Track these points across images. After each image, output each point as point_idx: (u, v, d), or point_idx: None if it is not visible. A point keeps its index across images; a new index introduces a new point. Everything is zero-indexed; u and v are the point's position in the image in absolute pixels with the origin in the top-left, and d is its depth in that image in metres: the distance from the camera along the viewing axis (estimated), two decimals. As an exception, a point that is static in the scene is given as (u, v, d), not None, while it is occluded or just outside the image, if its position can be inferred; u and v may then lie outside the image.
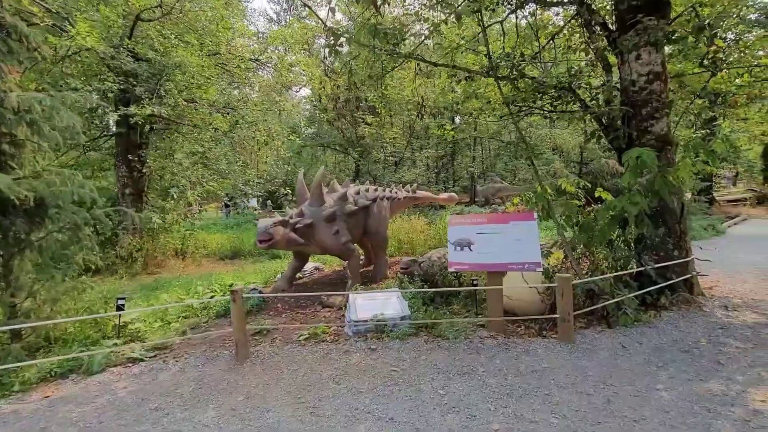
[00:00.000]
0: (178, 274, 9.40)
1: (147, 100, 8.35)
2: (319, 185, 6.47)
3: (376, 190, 7.47)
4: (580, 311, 4.26)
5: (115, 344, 4.05)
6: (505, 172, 22.96)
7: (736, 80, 6.13)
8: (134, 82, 8.50)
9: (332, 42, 3.96)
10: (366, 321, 4.42)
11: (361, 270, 7.21)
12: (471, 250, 4.31)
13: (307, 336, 4.38)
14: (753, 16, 11.84)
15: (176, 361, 3.88)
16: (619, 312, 4.22)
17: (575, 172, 17.29)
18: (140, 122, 8.32)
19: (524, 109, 5.52)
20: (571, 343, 3.90)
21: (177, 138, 10.07)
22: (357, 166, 18.64)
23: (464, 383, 3.26)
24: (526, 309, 4.63)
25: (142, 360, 3.91)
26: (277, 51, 11.92)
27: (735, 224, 13.30)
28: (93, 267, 9.31)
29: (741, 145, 14.28)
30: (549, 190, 5.25)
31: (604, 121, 5.11)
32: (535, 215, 4.33)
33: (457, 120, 20.34)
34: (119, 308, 4.24)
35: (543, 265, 4.71)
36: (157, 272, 9.92)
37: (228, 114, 9.72)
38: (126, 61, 8.39)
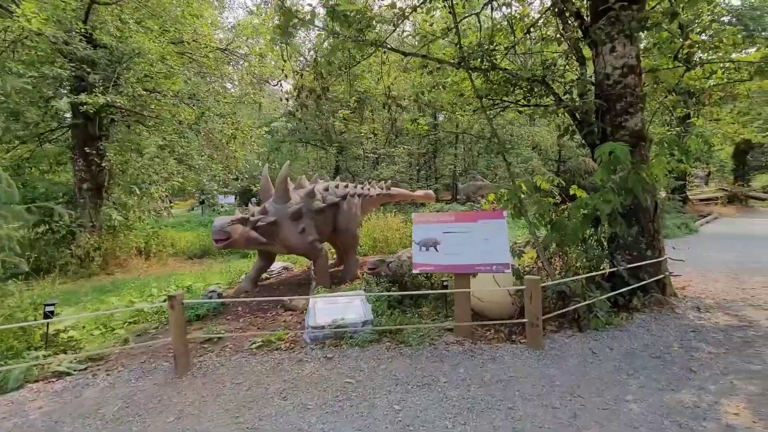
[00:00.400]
0: (138, 275, 8.89)
1: (102, 88, 7.78)
2: (283, 181, 6.11)
3: (346, 186, 7.15)
4: (550, 314, 4.05)
5: (41, 356, 3.62)
6: (487, 170, 22.92)
7: (710, 80, 6.05)
8: (88, 70, 7.92)
9: (285, 22, 3.62)
10: (324, 327, 4.11)
11: (332, 270, 6.90)
12: (437, 251, 4.04)
13: (260, 344, 4.04)
14: (726, 19, 12.00)
15: (108, 374, 3.48)
16: (591, 315, 4.02)
17: (553, 169, 17.33)
18: (92, 111, 7.76)
19: (497, 102, 5.29)
20: (539, 349, 3.68)
21: (141, 130, 9.50)
22: (336, 163, 18.24)
23: (423, 396, 2.99)
24: (498, 311, 4.41)
25: (69, 374, 3.50)
26: (248, 42, 11.42)
27: (707, 223, 13.52)
28: (43, 267, 8.76)
29: (714, 145, 14.52)
30: (524, 188, 5.05)
31: (578, 116, 4.91)
32: (505, 214, 4.10)
33: (441, 117, 20.14)
34: (47, 315, 3.81)
35: (514, 266, 4.51)
36: (117, 272, 9.36)
37: (194, 105, 9.20)
38: (79, 47, 7.81)
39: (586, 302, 4.00)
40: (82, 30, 7.86)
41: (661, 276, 4.69)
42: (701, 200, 19.32)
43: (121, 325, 4.85)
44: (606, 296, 4.17)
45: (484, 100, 5.28)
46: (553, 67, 5.09)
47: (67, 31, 7.94)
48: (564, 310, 4.07)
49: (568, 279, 4.13)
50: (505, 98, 5.16)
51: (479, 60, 4.87)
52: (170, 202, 12.67)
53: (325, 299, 4.69)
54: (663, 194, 14.08)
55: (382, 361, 3.60)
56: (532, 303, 3.63)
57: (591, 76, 5.04)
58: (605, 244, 4.74)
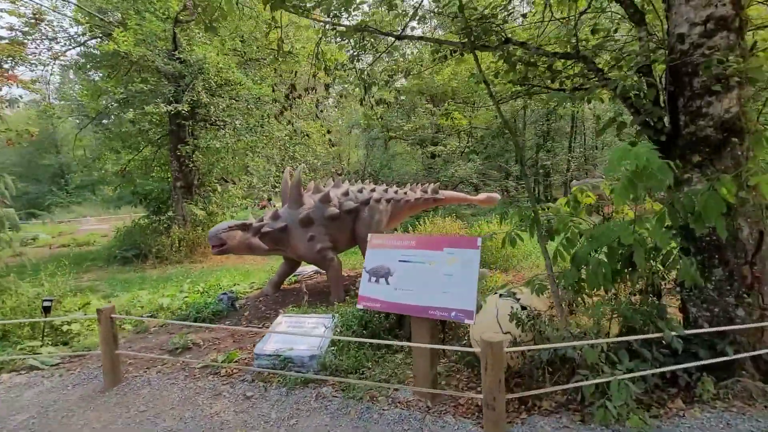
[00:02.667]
0: (213, 265, 9.78)
1: (174, 98, 8.70)
2: (297, 185, 5.84)
3: (373, 190, 6.54)
4: (541, 389, 2.86)
5: (28, 349, 4.04)
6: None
7: None
8: (164, 82, 8.95)
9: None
10: (271, 355, 3.67)
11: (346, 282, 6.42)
12: (388, 283, 3.21)
13: (205, 364, 3.82)
14: None
15: (60, 377, 3.68)
16: (601, 400, 2.68)
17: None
18: (184, 116, 8.65)
19: (523, 86, 3.98)
20: (501, 439, 2.59)
21: (220, 134, 10.45)
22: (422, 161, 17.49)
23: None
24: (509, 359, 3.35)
25: (39, 369, 3.81)
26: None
27: None
28: (143, 253, 10.30)
29: None
30: (562, 205, 3.79)
31: (633, 100, 3.38)
32: (479, 242, 3.02)
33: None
34: (46, 309, 4.25)
35: (526, 306, 3.39)
36: (201, 261, 10.51)
37: (258, 108, 9.70)
38: (162, 63, 8.86)
39: (594, 381, 2.67)
40: (164, 48, 8.88)
41: (764, 351, 2.92)
42: None
43: (135, 321, 5.24)
44: (633, 375, 2.73)
45: (500, 85, 4.08)
46: (594, 35, 3.59)
47: (160, 52, 9.07)
48: (564, 387, 2.81)
49: (575, 343, 2.85)
50: (526, 82, 3.84)
51: (489, 34, 3.71)
52: (269, 200, 13.76)
53: (291, 319, 4.25)
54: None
55: (300, 413, 3.00)
56: (489, 375, 2.56)
57: (661, 42, 3.42)
58: (658, 288, 3.17)
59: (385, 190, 6.79)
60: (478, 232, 8.72)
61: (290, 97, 5.17)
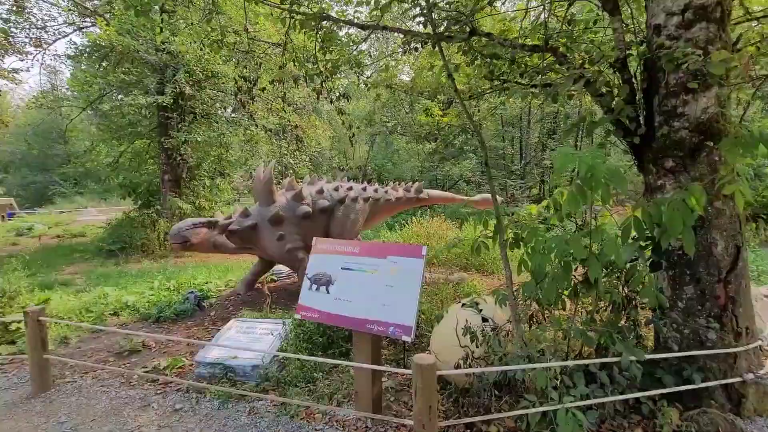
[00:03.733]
0: (196, 261, 9.65)
1: (156, 88, 8.53)
2: (268, 182, 5.62)
3: (350, 188, 6.29)
4: (477, 417, 2.60)
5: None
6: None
7: None
8: (147, 73, 8.78)
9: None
10: (212, 363, 3.47)
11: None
12: (328, 292, 2.97)
13: (149, 369, 3.64)
14: None
15: (-7, 378, 3.53)
16: (548, 430, 2.42)
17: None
18: (169, 108, 8.51)
19: (493, 81, 3.68)
20: (433, 470, 2.34)
21: (205, 128, 10.27)
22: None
23: None
24: (463, 381, 3.11)
25: (-25, 370, 3.66)
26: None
27: None
28: (130, 247, 10.19)
29: None
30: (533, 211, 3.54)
31: (604, 99, 3.07)
32: (424, 251, 2.76)
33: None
34: (-8, 308, 4.10)
35: (489, 318, 3.15)
36: (187, 257, 10.36)
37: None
38: (158, 55, 8.67)
39: (538, 409, 2.40)
40: (148, 38, 8.69)
41: (736, 380, 2.62)
42: None
43: (94, 319, 5.09)
44: (588, 402, 2.45)
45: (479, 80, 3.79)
46: (567, 26, 3.28)
47: (137, 40, 8.84)
48: (507, 414, 2.55)
49: (522, 366, 2.58)
50: (495, 77, 3.54)
51: (452, 23, 3.42)
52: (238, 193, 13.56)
53: (244, 324, 4.04)
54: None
55: (226, 429, 2.79)
56: (418, 402, 2.31)
57: (638, 32, 3.11)
58: (625, 304, 2.88)
59: (364, 189, 6.54)
60: (466, 234, 8.44)
61: (240, 89, 4.93)
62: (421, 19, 3.55)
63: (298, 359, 3.51)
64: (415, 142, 15.66)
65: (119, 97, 9.56)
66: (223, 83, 9.15)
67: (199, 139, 9.09)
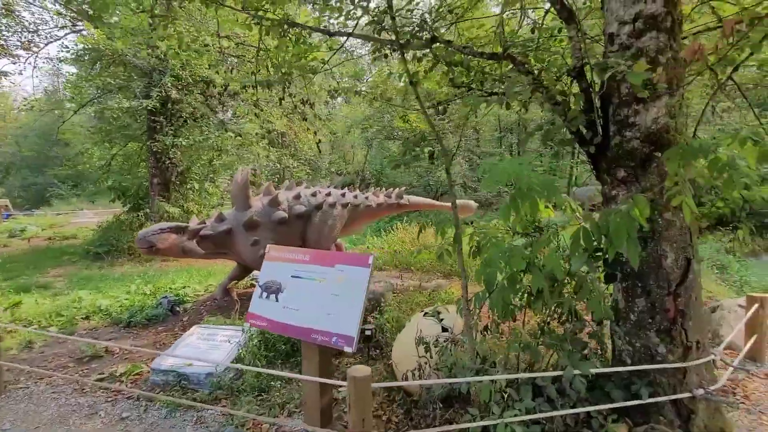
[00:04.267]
0: (180, 266, 9.62)
1: (144, 92, 8.56)
2: (244, 187, 5.62)
3: (329, 194, 6.26)
4: (430, 429, 2.55)
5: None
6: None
7: None
8: (134, 77, 8.82)
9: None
10: (166, 371, 3.43)
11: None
12: (277, 300, 2.93)
13: (105, 376, 3.60)
14: None
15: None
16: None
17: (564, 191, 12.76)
18: (156, 111, 8.54)
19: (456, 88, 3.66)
20: (368, 486, 2.29)
21: (190, 132, 10.28)
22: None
23: None
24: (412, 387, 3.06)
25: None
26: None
27: None
28: (117, 250, 10.17)
29: None
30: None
31: (558, 108, 3.04)
32: (371, 260, 2.72)
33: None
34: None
35: (449, 328, 3.11)
36: (173, 261, 10.34)
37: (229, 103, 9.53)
38: (145, 59, 8.71)
39: (478, 423, 2.35)
40: (136, 43, 8.74)
41: (686, 395, 2.56)
42: None
43: (64, 323, 5.06)
44: (533, 416, 2.40)
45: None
46: (533, 34, 3.26)
47: (127, 44, 8.89)
48: (449, 428, 2.50)
49: (469, 378, 2.53)
50: (456, 84, 3.52)
51: (416, 31, 3.41)
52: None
53: (205, 330, 4.01)
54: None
55: (169, 439, 2.75)
56: (353, 414, 2.26)
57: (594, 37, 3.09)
58: (575, 314, 2.83)
59: (343, 195, 6.51)
60: (450, 241, 8.39)
61: (206, 95, 4.94)
62: (385, 26, 3.54)
63: (257, 366, 3.48)
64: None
65: (108, 100, 9.60)
66: (208, 88, 9.20)
67: (184, 143, 9.10)
